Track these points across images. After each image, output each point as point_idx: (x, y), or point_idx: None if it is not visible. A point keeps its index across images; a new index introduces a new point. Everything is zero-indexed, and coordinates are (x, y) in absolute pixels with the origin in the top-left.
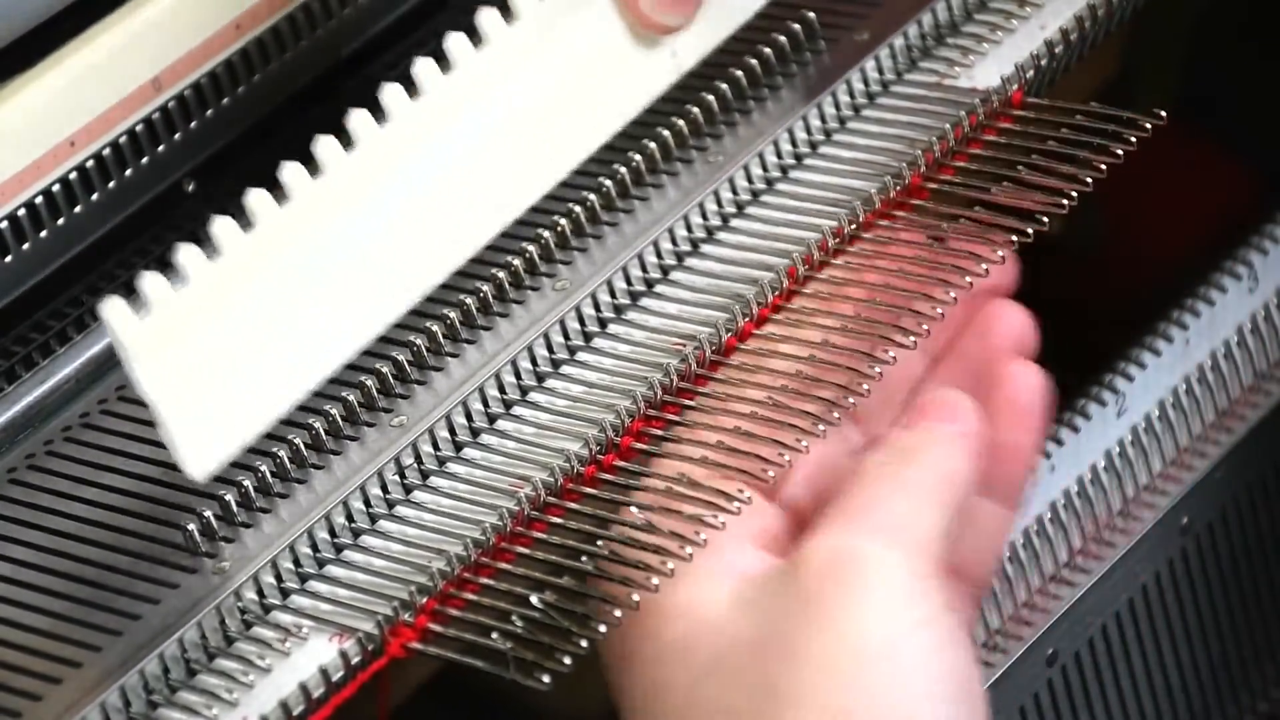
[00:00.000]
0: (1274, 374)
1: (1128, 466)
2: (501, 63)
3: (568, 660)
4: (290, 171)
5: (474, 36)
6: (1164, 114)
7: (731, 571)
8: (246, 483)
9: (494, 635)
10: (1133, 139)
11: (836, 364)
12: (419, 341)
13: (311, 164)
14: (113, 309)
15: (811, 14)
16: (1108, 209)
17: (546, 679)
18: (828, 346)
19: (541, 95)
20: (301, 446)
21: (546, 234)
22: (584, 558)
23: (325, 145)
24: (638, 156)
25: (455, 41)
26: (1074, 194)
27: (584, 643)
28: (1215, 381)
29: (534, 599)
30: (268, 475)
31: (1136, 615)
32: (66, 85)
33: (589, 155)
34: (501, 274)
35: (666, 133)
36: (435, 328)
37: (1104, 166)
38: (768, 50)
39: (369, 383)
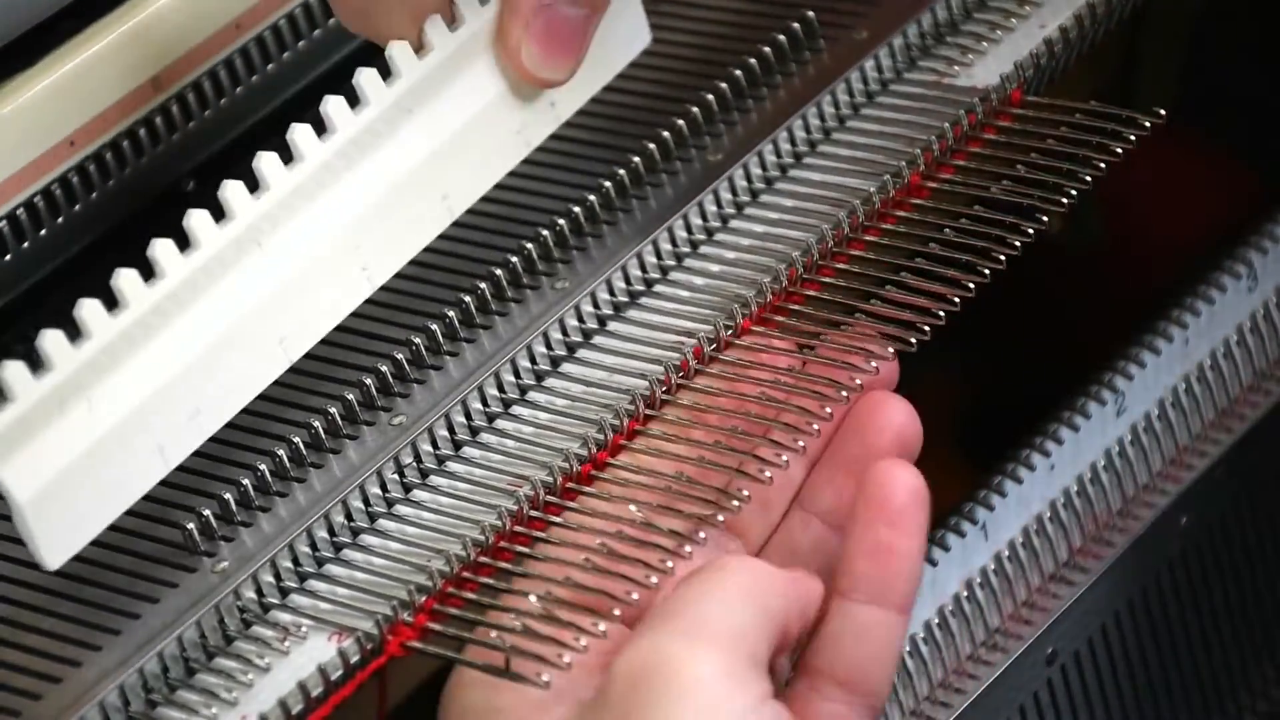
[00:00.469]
0: (1274, 373)
1: (1127, 466)
2: (380, 126)
3: (567, 659)
4: (162, 249)
5: (352, 98)
6: (1164, 113)
7: (568, 699)
8: (246, 482)
9: (494, 635)
10: (1132, 137)
11: (696, 491)
12: (418, 340)
13: (185, 242)
14: None
15: (811, 13)
16: (1108, 208)
17: (546, 679)
18: (699, 463)
19: (422, 150)
20: (301, 445)
21: (546, 233)
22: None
23: (198, 219)
24: (637, 157)
25: (333, 105)
26: (1074, 192)
27: (583, 642)
28: (1215, 380)
29: (533, 598)
30: (267, 474)
31: (1136, 615)
32: (66, 85)
33: (469, 205)
34: (500, 273)
35: (666, 133)
36: (435, 326)
37: (1104, 165)
38: (767, 49)
39: (368, 381)
